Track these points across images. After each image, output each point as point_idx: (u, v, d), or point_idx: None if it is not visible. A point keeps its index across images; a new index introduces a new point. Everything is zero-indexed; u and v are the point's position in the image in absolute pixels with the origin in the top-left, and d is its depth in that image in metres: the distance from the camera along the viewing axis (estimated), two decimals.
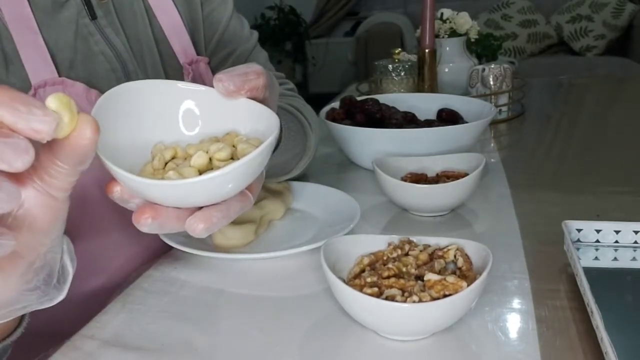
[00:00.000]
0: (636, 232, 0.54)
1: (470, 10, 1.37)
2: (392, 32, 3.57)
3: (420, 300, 0.42)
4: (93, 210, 0.61)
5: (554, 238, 0.55)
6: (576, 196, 0.72)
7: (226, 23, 0.76)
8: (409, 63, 1.23)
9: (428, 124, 0.84)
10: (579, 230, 0.55)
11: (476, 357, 0.42)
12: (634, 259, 0.53)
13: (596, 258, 0.54)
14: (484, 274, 0.43)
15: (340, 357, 0.43)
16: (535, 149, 0.97)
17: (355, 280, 0.46)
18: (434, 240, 0.50)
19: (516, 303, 0.48)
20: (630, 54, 3.18)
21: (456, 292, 0.42)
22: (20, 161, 0.27)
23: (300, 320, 0.48)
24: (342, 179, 0.83)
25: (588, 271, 0.46)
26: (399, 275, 0.46)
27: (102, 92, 0.57)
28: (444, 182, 0.66)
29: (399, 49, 1.25)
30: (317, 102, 0.96)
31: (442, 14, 1.31)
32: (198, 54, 0.71)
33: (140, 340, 0.46)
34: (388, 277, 0.45)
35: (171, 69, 0.68)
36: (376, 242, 0.51)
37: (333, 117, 0.87)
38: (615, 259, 0.54)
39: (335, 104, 0.92)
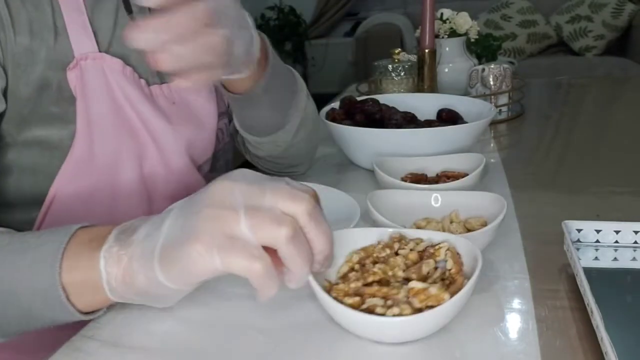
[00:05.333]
0: (636, 232, 0.54)
1: (470, 11, 1.37)
2: (392, 33, 3.57)
3: (400, 313, 0.41)
4: (92, 213, 0.62)
5: (554, 238, 0.55)
6: (576, 196, 0.72)
7: None
8: (409, 63, 1.23)
9: (428, 124, 0.84)
10: (579, 230, 0.55)
11: (476, 357, 0.42)
12: (634, 259, 0.53)
13: (596, 258, 0.54)
14: (469, 284, 0.42)
15: (341, 357, 0.43)
16: (535, 149, 0.97)
17: (339, 285, 0.46)
18: (427, 235, 0.50)
19: (516, 303, 0.48)
20: (630, 54, 3.18)
21: (438, 303, 0.41)
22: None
23: (301, 320, 0.48)
24: (342, 179, 0.83)
25: (588, 271, 0.46)
26: (383, 281, 0.46)
27: (135, 71, 0.66)
28: (444, 182, 0.66)
29: (399, 49, 1.25)
30: (317, 102, 0.96)
31: (442, 14, 1.31)
32: None
33: (140, 340, 0.46)
34: (372, 284, 0.45)
35: None
36: (367, 236, 0.50)
37: (333, 117, 0.87)
38: (615, 259, 0.54)
39: (335, 104, 0.92)
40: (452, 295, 0.42)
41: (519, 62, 2.42)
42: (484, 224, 0.55)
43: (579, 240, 0.55)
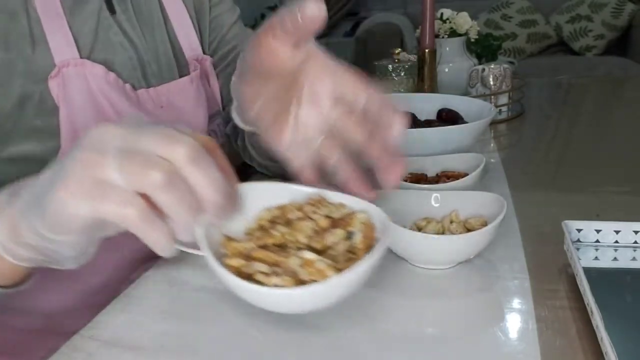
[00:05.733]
0: (636, 232, 0.54)
1: (470, 11, 1.37)
2: (392, 32, 3.57)
3: (281, 284, 0.38)
4: None
5: (554, 238, 0.55)
6: (576, 196, 0.72)
7: (229, 27, 0.81)
8: (409, 63, 1.23)
9: (428, 124, 0.84)
10: (579, 230, 0.55)
11: (476, 357, 0.42)
12: (634, 259, 0.53)
13: (596, 258, 0.54)
14: (360, 266, 0.38)
15: (342, 356, 0.43)
16: (535, 149, 0.97)
17: (234, 243, 0.42)
18: (350, 201, 0.47)
19: (516, 303, 0.48)
20: (630, 54, 3.18)
21: (322, 279, 0.38)
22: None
23: (300, 320, 0.48)
24: None
25: (588, 271, 0.46)
26: (280, 246, 0.42)
27: (119, 77, 0.63)
28: (444, 182, 0.66)
29: (399, 49, 1.25)
30: None
31: (442, 14, 1.31)
32: (203, 52, 0.77)
33: (140, 340, 0.46)
34: (265, 247, 0.42)
35: (181, 63, 0.73)
36: (288, 194, 0.48)
37: None
38: (615, 259, 0.54)
39: None
40: (340, 272, 0.38)
41: (519, 62, 2.42)
42: (484, 224, 0.55)
43: (579, 240, 0.55)
